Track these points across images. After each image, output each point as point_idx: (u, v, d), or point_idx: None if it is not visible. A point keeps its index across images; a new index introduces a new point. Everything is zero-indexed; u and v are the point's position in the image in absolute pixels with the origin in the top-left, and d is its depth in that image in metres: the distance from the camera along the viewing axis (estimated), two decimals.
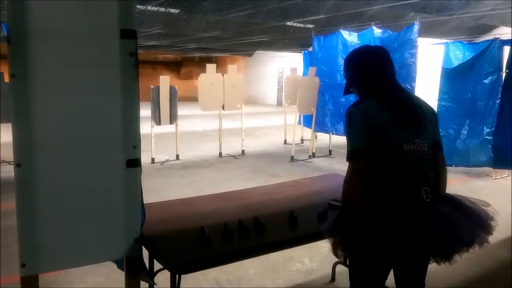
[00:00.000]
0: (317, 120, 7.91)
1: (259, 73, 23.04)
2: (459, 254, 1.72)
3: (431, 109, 1.88)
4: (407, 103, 1.80)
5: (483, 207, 1.82)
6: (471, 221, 1.76)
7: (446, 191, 1.89)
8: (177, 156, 7.55)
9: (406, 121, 1.74)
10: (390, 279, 1.88)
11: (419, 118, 1.78)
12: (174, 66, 25.64)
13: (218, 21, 10.13)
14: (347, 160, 1.74)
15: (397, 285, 1.90)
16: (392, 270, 1.86)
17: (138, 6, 8.04)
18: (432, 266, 1.83)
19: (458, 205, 1.80)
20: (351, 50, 1.99)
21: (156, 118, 7.10)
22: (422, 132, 1.76)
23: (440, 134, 1.97)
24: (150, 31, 11.09)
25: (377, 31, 6.90)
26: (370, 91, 1.82)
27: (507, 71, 5.06)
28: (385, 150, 1.71)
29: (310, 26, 10.26)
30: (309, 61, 8.46)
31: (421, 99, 1.89)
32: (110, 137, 1.71)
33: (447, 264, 1.75)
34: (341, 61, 7.39)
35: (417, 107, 1.80)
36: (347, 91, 1.96)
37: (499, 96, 5.36)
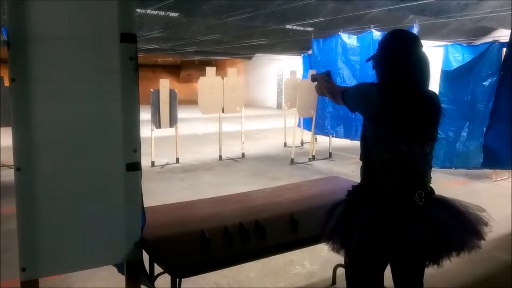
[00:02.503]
0: (317, 123, 7.92)
1: (259, 76, 23.06)
2: (448, 258, 1.74)
3: (440, 108, 1.80)
4: (417, 108, 1.72)
5: (477, 212, 1.82)
6: (462, 226, 1.76)
7: (444, 194, 1.89)
8: (177, 160, 7.55)
9: (409, 126, 1.70)
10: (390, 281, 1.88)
11: (425, 124, 1.74)
12: (174, 70, 25.66)
13: (217, 24, 10.14)
14: (342, 93, 1.91)
15: (395, 285, 1.92)
16: (390, 271, 1.88)
17: (137, 10, 8.06)
18: (433, 268, 1.83)
19: (450, 209, 1.80)
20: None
21: (156, 122, 7.10)
22: (425, 134, 1.75)
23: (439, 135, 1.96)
24: (150, 35, 11.10)
25: (376, 33, 6.92)
26: (388, 82, 1.75)
27: (502, 72, 5.07)
28: (381, 145, 1.73)
29: (310, 29, 10.27)
30: (309, 64, 8.48)
31: (433, 99, 1.80)
32: (110, 141, 1.71)
33: (435, 267, 1.76)
34: (340, 64, 7.41)
35: (427, 112, 1.74)
36: (369, 60, 1.89)
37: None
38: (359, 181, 1.90)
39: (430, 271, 1.85)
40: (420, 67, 1.74)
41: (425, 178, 1.80)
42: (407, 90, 1.72)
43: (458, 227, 1.75)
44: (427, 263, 1.77)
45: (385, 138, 1.72)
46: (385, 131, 1.71)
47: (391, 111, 1.69)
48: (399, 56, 1.74)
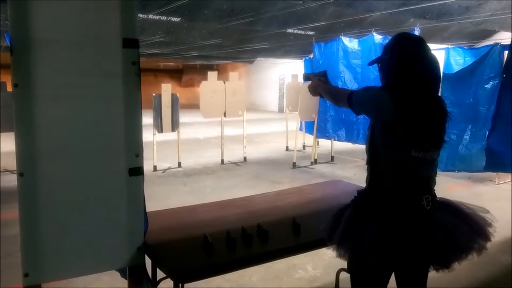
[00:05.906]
0: (318, 127, 7.92)
1: (260, 80, 23.10)
2: (458, 261, 1.73)
3: (447, 112, 1.81)
4: (432, 113, 1.71)
5: (482, 214, 1.82)
6: (469, 228, 1.75)
7: (447, 197, 1.88)
8: (179, 164, 7.55)
9: (423, 135, 1.69)
10: (392, 283, 1.87)
11: (439, 129, 1.74)
12: (175, 74, 25.71)
13: (219, 29, 10.19)
14: (348, 96, 1.82)
15: None
16: (393, 275, 1.86)
17: (139, 15, 8.10)
18: (436, 272, 1.83)
19: (457, 212, 1.80)
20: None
21: (158, 126, 7.11)
22: (437, 139, 1.74)
23: None
24: (152, 40, 11.15)
25: (377, 37, 6.92)
26: (399, 86, 1.70)
27: (504, 75, 5.07)
28: (391, 151, 1.70)
29: (311, 33, 10.31)
30: (310, 68, 8.48)
31: (443, 103, 1.81)
32: (113, 146, 1.71)
33: (445, 271, 1.75)
34: (342, 68, 7.41)
35: (440, 116, 1.74)
36: (373, 63, 1.87)
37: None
38: (362, 185, 1.89)
39: (433, 275, 1.84)
40: (431, 70, 1.71)
41: (432, 183, 1.78)
42: (420, 94, 1.69)
43: (466, 228, 1.74)
44: (438, 267, 1.74)
45: (397, 143, 1.68)
46: (398, 137, 1.68)
47: (405, 116, 1.65)
48: (410, 59, 1.70)
